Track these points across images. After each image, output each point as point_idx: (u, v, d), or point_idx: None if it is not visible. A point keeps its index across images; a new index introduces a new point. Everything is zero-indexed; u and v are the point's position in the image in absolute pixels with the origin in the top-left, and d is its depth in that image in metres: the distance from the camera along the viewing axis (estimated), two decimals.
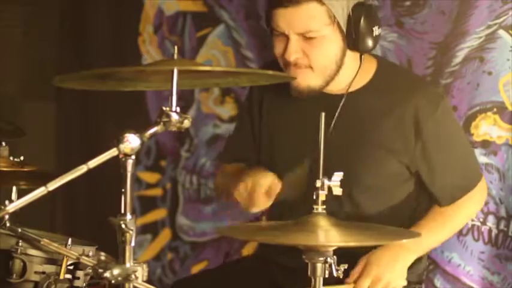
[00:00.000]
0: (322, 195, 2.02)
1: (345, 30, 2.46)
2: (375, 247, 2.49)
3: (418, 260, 2.64)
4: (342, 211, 2.44)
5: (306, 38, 2.44)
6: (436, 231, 2.58)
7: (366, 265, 2.45)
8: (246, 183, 2.43)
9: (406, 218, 2.58)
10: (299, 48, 2.45)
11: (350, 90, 2.55)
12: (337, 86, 2.55)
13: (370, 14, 2.48)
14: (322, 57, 2.47)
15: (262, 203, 2.43)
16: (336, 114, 2.51)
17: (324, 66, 2.48)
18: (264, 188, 2.41)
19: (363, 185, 2.51)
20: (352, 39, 2.46)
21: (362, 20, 2.45)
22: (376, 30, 2.49)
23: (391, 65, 2.76)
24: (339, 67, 2.50)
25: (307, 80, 2.48)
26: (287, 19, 2.44)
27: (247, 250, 3.73)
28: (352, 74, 2.54)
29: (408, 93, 2.54)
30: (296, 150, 2.55)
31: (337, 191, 2.02)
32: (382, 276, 2.44)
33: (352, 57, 2.53)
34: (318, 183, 2.01)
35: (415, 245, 2.51)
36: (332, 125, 2.49)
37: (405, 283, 2.49)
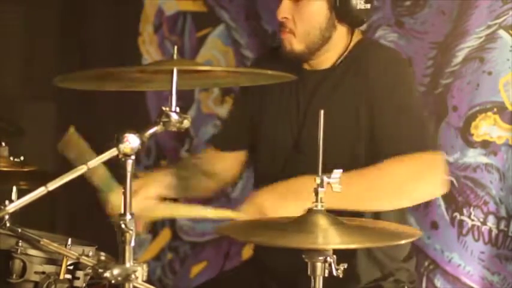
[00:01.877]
0: (321, 192, 2.01)
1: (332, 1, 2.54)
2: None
3: (407, 260, 2.62)
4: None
5: (297, 1, 2.55)
6: (358, 183, 2.38)
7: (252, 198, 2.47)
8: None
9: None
10: (288, 10, 2.56)
11: (327, 66, 2.61)
12: (326, 62, 2.62)
13: None
14: (305, 21, 2.56)
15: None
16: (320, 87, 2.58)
17: (305, 31, 2.56)
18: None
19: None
20: (340, 11, 2.54)
21: None
22: (361, 3, 2.54)
23: (372, 41, 2.83)
24: (324, 37, 2.57)
25: (291, 43, 2.58)
26: None
27: (248, 250, 3.73)
28: (341, 51, 2.60)
29: (372, 58, 2.58)
30: (281, 125, 2.63)
31: (337, 187, 2.02)
32: (265, 206, 2.41)
33: (342, 35, 2.59)
34: (318, 180, 2.01)
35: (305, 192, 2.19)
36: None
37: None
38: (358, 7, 2.54)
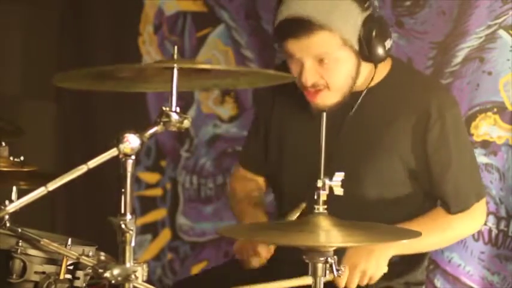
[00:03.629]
0: (323, 195, 2.01)
1: (357, 48, 2.48)
2: None
3: (419, 262, 2.64)
4: (344, 212, 2.44)
5: (321, 62, 2.47)
6: (431, 233, 2.53)
7: (345, 255, 2.44)
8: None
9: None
10: (315, 72, 2.48)
11: (361, 89, 2.56)
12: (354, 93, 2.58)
13: (381, 27, 2.49)
14: (338, 77, 2.50)
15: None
16: (351, 112, 2.54)
17: (340, 85, 2.51)
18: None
19: (367, 185, 2.51)
20: (365, 54, 2.49)
21: (373, 35, 2.47)
22: (388, 43, 2.51)
23: (405, 65, 2.78)
24: (355, 80, 2.53)
25: (326, 99, 2.51)
26: (300, 47, 2.46)
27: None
28: (369, 76, 2.56)
29: (420, 95, 2.56)
30: (306, 167, 2.54)
31: (338, 191, 2.02)
32: (358, 265, 2.41)
33: (367, 69, 2.55)
34: (319, 183, 2.01)
35: (397, 242, 2.45)
36: (344, 124, 2.54)
37: (384, 270, 2.46)
38: (387, 48, 2.51)
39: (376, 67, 2.54)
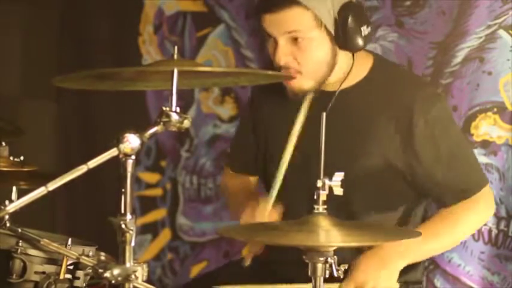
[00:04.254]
0: (323, 195, 2.01)
1: (332, 31, 2.46)
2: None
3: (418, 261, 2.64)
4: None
5: (294, 41, 2.45)
6: (438, 236, 2.51)
7: (353, 269, 2.41)
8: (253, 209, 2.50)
9: (397, 221, 2.56)
10: (288, 52, 2.46)
11: (344, 87, 2.54)
12: (333, 84, 2.55)
13: (358, 14, 2.47)
14: (311, 61, 2.47)
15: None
16: (327, 110, 2.51)
17: (313, 70, 2.48)
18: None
19: (353, 183, 2.50)
20: (341, 40, 2.46)
21: (349, 20, 2.44)
22: (365, 30, 2.48)
23: (387, 62, 2.73)
24: (331, 67, 2.50)
25: (299, 83, 2.49)
26: (274, 24, 2.46)
27: (248, 250, 3.73)
28: (347, 71, 2.54)
29: (403, 91, 2.54)
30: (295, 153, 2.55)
31: (338, 191, 2.02)
32: (366, 283, 2.40)
33: (345, 55, 2.52)
34: (319, 183, 2.01)
35: (408, 251, 2.46)
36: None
37: (396, 286, 2.47)
38: (363, 34, 2.47)
39: (353, 57, 2.52)
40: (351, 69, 2.53)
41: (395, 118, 2.50)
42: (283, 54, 2.46)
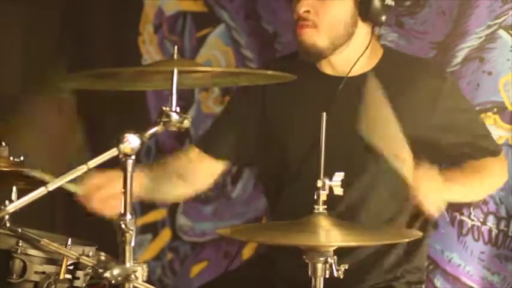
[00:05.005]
0: (323, 195, 2.01)
1: None
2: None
3: (421, 261, 2.63)
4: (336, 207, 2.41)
5: None
6: (465, 182, 2.52)
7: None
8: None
9: (394, 213, 2.56)
10: (310, 3, 2.48)
11: (353, 74, 2.55)
12: (343, 65, 2.55)
13: None
14: (330, 16, 2.49)
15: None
16: (337, 91, 2.52)
17: (330, 25, 2.49)
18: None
19: (357, 176, 2.50)
20: (364, 8, 2.49)
21: None
22: (390, 1, 2.51)
23: (397, 53, 2.76)
24: (348, 34, 2.52)
25: (313, 37, 2.50)
26: None
27: (248, 250, 3.73)
28: (359, 53, 2.54)
29: (414, 75, 2.56)
30: (305, 137, 2.50)
31: (338, 190, 2.02)
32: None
33: (362, 34, 2.54)
34: (319, 183, 2.01)
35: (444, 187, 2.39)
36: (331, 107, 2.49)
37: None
38: (385, 2, 2.49)
39: (372, 32, 2.54)
40: (366, 48, 2.54)
41: (410, 101, 2.52)
42: (305, 3, 2.48)
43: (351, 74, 2.55)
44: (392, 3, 2.53)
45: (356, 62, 2.54)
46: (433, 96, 2.54)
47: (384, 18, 2.52)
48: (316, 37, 2.49)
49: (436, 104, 2.54)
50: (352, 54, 2.55)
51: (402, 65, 2.61)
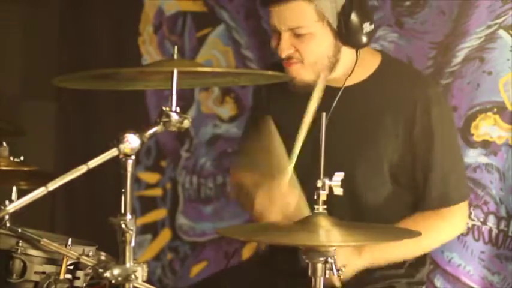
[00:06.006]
0: (323, 195, 2.02)
1: (335, 26, 2.49)
2: None
3: (423, 262, 2.63)
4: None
5: (297, 34, 2.51)
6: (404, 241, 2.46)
7: None
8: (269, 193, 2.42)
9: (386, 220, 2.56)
10: (290, 45, 2.52)
11: (350, 83, 2.57)
12: (338, 80, 2.57)
13: (361, 10, 2.50)
14: (312, 53, 2.52)
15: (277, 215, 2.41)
16: (332, 107, 2.53)
17: (314, 61, 2.52)
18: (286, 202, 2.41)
19: (353, 182, 2.50)
20: (343, 36, 2.50)
21: (352, 16, 2.48)
22: (368, 27, 2.52)
23: (394, 61, 2.76)
24: (333, 62, 2.54)
25: (299, 73, 2.53)
26: (278, 16, 2.53)
27: (248, 250, 3.73)
28: (351, 67, 2.57)
29: (408, 91, 2.56)
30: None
31: (338, 190, 2.02)
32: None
33: (351, 52, 2.55)
34: (319, 183, 2.01)
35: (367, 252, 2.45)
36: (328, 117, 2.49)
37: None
38: (365, 31, 2.51)
39: (357, 54, 2.54)
40: (354, 66, 2.56)
41: (398, 117, 2.52)
42: (286, 47, 2.51)
43: (346, 84, 2.57)
44: (372, 27, 2.53)
45: (346, 79, 2.56)
46: (415, 116, 2.53)
47: (365, 41, 2.52)
48: (303, 72, 2.53)
49: (414, 125, 2.53)
50: (342, 72, 2.56)
51: (396, 77, 2.61)
